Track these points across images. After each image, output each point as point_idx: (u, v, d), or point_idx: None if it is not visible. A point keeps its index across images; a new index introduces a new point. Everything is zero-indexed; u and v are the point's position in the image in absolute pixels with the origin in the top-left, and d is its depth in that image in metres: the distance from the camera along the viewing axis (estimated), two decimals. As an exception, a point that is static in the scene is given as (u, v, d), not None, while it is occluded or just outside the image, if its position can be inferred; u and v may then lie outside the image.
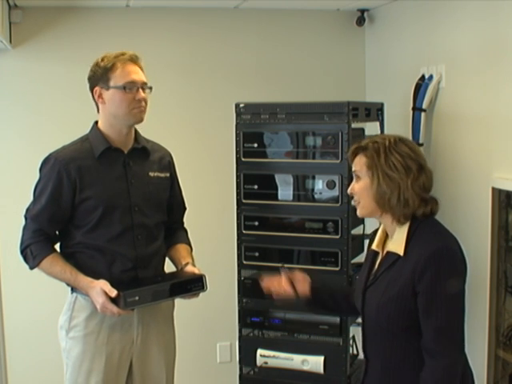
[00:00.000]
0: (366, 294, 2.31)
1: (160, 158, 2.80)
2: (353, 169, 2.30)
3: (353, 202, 2.34)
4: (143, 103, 2.62)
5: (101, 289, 2.50)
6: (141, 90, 2.61)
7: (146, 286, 2.59)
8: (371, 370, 2.33)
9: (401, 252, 2.19)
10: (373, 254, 2.35)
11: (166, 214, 2.82)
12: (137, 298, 2.51)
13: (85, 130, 2.75)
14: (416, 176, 2.20)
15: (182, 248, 2.84)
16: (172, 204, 2.86)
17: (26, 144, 3.85)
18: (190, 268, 2.72)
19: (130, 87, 2.59)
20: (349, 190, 2.33)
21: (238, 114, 3.38)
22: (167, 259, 2.87)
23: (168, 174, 2.81)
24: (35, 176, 2.72)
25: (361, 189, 2.25)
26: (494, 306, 2.86)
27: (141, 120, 2.66)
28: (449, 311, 2.16)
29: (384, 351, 2.25)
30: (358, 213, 2.31)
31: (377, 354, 2.30)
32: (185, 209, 2.97)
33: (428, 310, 2.13)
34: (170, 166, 2.84)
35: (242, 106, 3.38)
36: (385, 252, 2.28)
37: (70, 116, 3.83)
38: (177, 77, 4.00)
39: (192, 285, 2.66)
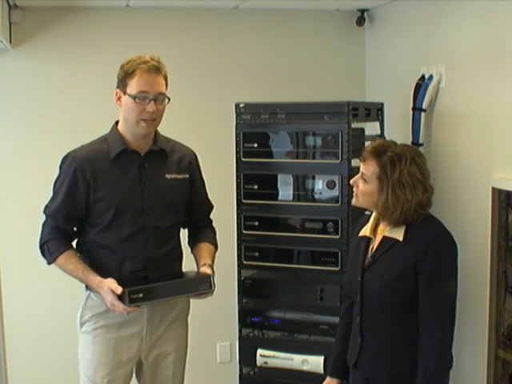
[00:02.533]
0: (364, 276, 2.47)
1: (179, 158, 2.80)
2: (361, 169, 2.47)
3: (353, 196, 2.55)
4: (154, 115, 2.61)
5: (108, 287, 2.54)
6: (152, 102, 2.59)
7: (151, 284, 2.62)
8: (366, 349, 2.48)
9: (400, 238, 2.40)
10: (366, 240, 2.52)
11: (184, 215, 2.83)
12: (141, 295, 2.54)
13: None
14: (420, 198, 2.40)
15: (204, 247, 2.85)
16: (194, 204, 2.86)
17: (25, 144, 3.85)
18: (203, 269, 2.73)
19: (141, 98, 2.58)
20: (352, 181, 2.52)
21: (238, 114, 3.38)
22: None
23: (187, 175, 2.81)
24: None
25: (365, 192, 2.46)
26: (493, 305, 2.86)
27: (147, 133, 2.67)
28: (447, 288, 2.36)
29: (382, 328, 2.43)
30: (354, 203, 2.54)
31: (374, 333, 2.46)
32: (211, 207, 2.98)
33: (430, 287, 2.34)
34: (189, 166, 2.83)
35: (242, 106, 3.38)
36: (380, 237, 2.47)
37: (70, 116, 3.82)
38: (177, 77, 3.95)
39: (199, 284, 2.67)
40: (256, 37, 4.10)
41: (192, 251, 2.88)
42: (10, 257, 3.82)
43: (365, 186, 2.44)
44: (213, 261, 2.81)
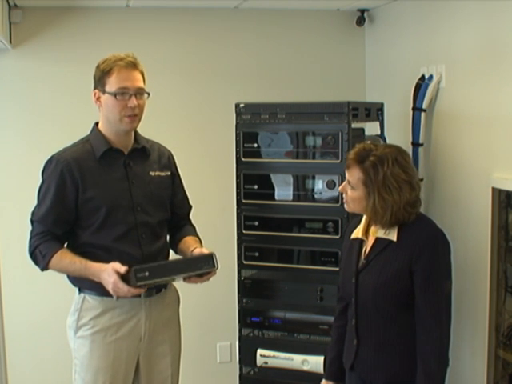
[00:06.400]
0: (359, 278, 2.47)
1: (159, 156, 2.82)
2: (347, 177, 2.48)
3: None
4: (136, 110, 2.62)
5: (112, 269, 2.50)
6: (133, 98, 2.60)
7: (156, 263, 2.61)
8: (363, 350, 2.47)
9: (394, 238, 2.40)
10: (359, 242, 2.52)
11: (169, 212, 2.84)
12: (147, 273, 2.51)
13: (85, 130, 2.75)
14: (407, 198, 2.40)
15: (189, 239, 2.84)
16: (175, 202, 2.87)
17: (25, 144, 3.85)
18: (198, 250, 2.72)
19: (122, 93, 2.59)
20: (340, 189, 2.55)
21: (238, 113, 3.38)
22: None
23: (168, 173, 2.83)
24: (35, 176, 2.72)
25: (354, 198, 2.46)
26: (494, 305, 2.86)
27: (131, 129, 2.69)
28: (443, 287, 2.37)
29: (378, 330, 2.43)
30: (346, 209, 2.54)
31: (370, 334, 2.45)
32: (190, 206, 2.99)
33: (426, 286, 2.35)
34: (169, 164, 2.85)
35: (242, 106, 3.38)
36: (373, 239, 2.47)
37: (69, 116, 3.83)
38: (177, 77, 4.00)
39: (202, 263, 2.65)
40: (256, 37, 4.10)
41: (177, 248, 2.86)
42: (9, 256, 3.82)
43: (353, 193, 2.45)
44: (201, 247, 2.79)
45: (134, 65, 2.63)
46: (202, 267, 2.64)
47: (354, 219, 2.65)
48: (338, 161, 3.17)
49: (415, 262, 2.35)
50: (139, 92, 2.63)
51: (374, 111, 3.51)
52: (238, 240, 3.46)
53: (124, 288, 2.49)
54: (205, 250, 2.71)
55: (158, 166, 2.79)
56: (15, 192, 3.81)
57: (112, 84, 2.59)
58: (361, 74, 4.20)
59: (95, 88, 2.65)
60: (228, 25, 4.06)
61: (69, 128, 3.48)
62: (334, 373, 2.66)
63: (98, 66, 2.64)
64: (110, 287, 2.51)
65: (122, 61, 2.60)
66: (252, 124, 3.37)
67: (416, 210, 2.44)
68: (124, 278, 2.50)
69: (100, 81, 2.62)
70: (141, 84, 2.64)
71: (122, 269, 2.50)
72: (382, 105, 3.57)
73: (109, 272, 2.51)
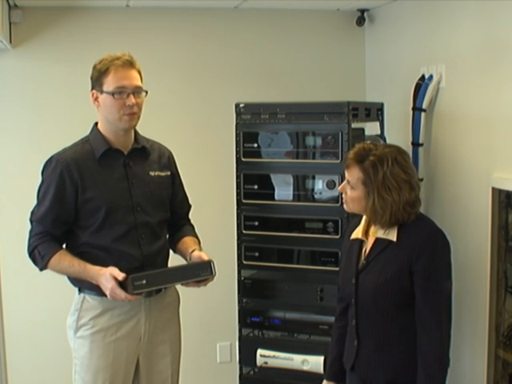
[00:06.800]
0: (359, 279, 2.46)
1: (159, 156, 2.82)
2: (346, 176, 2.48)
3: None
4: (135, 109, 2.62)
5: (110, 274, 2.51)
6: (132, 96, 2.60)
7: (153, 270, 2.63)
8: (363, 351, 2.48)
9: (393, 238, 2.40)
10: (358, 243, 2.52)
11: (169, 212, 2.84)
12: (144, 281, 2.53)
13: (85, 130, 2.75)
14: (407, 197, 2.40)
15: (188, 240, 2.85)
16: (175, 202, 2.88)
17: (25, 144, 3.85)
18: (196, 253, 2.72)
19: (120, 92, 2.59)
20: (339, 189, 2.55)
21: (238, 113, 3.38)
22: (176, 255, 2.88)
23: (168, 173, 2.83)
24: (35, 176, 2.72)
25: (354, 198, 2.46)
26: (494, 305, 2.86)
27: (131, 127, 2.68)
28: (443, 287, 2.37)
29: (378, 330, 2.43)
30: (346, 209, 2.54)
31: (370, 334, 2.45)
32: (189, 206, 2.99)
33: (426, 286, 2.35)
34: (169, 164, 2.85)
35: (241, 106, 3.38)
36: (373, 239, 2.47)
37: (70, 116, 3.83)
38: (177, 77, 4.00)
39: (200, 270, 2.65)
40: (256, 37, 4.10)
41: (176, 248, 2.87)
42: (9, 256, 3.82)
43: (352, 193, 2.45)
44: (200, 250, 2.80)
45: (130, 63, 2.63)
46: (200, 274, 2.65)
47: (354, 219, 2.65)
48: (338, 161, 3.17)
49: (415, 262, 2.35)
50: (137, 90, 2.63)
51: (374, 111, 3.51)
52: (238, 240, 3.45)
53: (121, 294, 2.51)
54: (203, 255, 2.71)
55: (158, 165, 2.79)
56: (15, 192, 3.81)
57: (109, 83, 2.60)
58: (361, 74, 4.20)
59: (93, 88, 2.66)
60: (228, 25, 4.06)
61: (69, 128, 3.49)
62: (335, 373, 2.66)
63: (94, 67, 2.65)
64: (107, 292, 2.53)
65: (118, 60, 2.61)
66: (252, 124, 3.37)
67: (416, 210, 2.44)
68: (122, 283, 2.52)
69: (97, 81, 2.63)
70: (138, 82, 2.65)
71: (120, 276, 2.51)
72: (382, 105, 3.57)
73: (107, 277, 2.52)
